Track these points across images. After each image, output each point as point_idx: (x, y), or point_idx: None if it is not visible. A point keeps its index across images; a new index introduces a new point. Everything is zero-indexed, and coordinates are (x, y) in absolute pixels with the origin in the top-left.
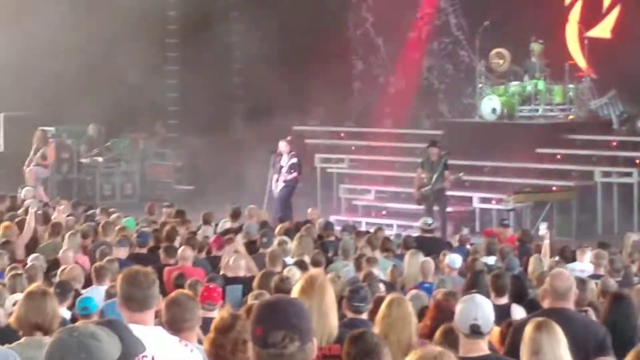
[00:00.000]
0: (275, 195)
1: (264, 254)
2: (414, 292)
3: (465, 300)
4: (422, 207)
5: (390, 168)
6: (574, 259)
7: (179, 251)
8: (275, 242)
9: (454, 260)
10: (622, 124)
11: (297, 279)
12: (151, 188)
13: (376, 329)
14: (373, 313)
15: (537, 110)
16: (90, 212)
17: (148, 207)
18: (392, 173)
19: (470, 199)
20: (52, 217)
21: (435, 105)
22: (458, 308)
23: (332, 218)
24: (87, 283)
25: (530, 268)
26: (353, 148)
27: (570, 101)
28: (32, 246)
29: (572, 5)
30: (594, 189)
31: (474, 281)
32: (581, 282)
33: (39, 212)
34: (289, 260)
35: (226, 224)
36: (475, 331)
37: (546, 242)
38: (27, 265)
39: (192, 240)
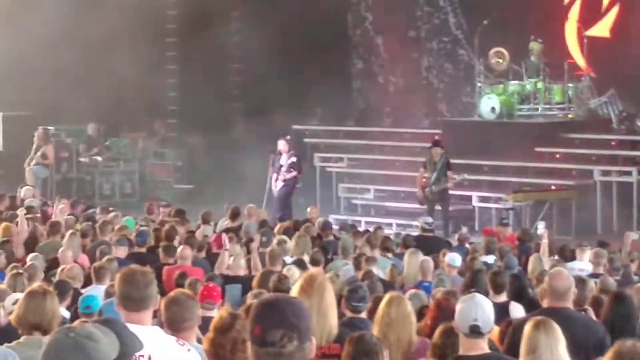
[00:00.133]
0: (275, 195)
1: (263, 253)
2: (413, 291)
3: (465, 300)
4: (424, 206)
5: (390, 167)
6: (573, 258)
7: (178, 250)
8: (275, 241)
9: (454, 258)
10: (621, 123)
11: (296, 278)
12: (150, 187)
13: (375, 328)
14: (372, 312)
15: (536, 109)
16: (89, 211)
17: (147, 206)
18: (392, 172)
19: (469, 198)
20: (52, 217)
21: (435, 105)
22: (458, 308)
23: (332, 217)
24: (87, 282)
25: (530, 267)
26: (352, 147)
27: (569, 100)
28: (31, 245)
29: (571, 4)
30: (593, 188)
31: (473, 280)
32: (580, 281)
33: (38, 214)
34: (288, 259)
35: (225, 223)
36: (475, 331)
37: (544, 242)
38: (27, 265)
39: (191, 240)
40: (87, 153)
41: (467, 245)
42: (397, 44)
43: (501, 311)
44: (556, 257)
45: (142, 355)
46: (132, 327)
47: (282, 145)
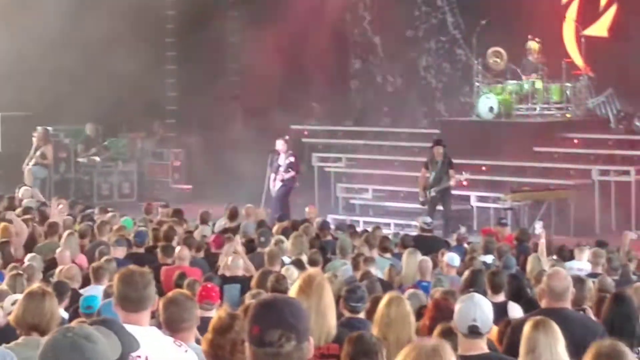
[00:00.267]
0: (273, 195)
1: (261, 253)
2: (411, 290)
3: (464, 300)
4: (425, 206)
5: (388, 167)
6: (571, 258)
7: (176, 251)
8: (272, 241)
9: (452, 258)
10: (619, 123)
11: (295, 279)
12: (149, 187)
13: (375, 329)
14: (370, 312)
15: (534, 109)
16: (87, 211)
17: (145, 206)
18: (390, 172)
19: (467, 198)
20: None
21: (433, 104)
22: (457, 308)
23: (330, 217)
24: (85, 283)
25: (528, 267)
26: (350, 147)
27: (567, 100)
28: (30, 246)
29: (569, 3)
30: (591, 187)
31: (472, 280)
32: (579, 281)
33: (35, 217)
34: (286, 259)
35: (223, 223)
36: (474, 331)
37: (542, 241)
38: (25, 265)
39: (190, 240)
40: (86, 153)
41: (466, 245)
42: (395, 43)
43: (499, 311)
44: (554, 257)
45: (139, 356)
46: (129, 327)
47: (280, 145)
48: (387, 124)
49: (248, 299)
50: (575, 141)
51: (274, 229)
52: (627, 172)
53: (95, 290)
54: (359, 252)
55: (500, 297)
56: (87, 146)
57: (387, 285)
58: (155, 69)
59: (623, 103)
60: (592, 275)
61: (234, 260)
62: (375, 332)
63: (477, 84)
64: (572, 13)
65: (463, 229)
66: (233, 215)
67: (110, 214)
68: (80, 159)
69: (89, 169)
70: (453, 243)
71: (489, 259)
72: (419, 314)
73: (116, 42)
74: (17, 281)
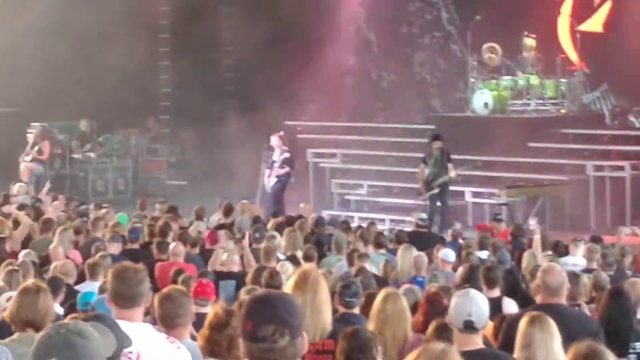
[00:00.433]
0: (268, 190)
1: (256, 249)
2: (407, 286)
3: (459, 295)
4: (425, 202)
5: (383, 163)
6: (567, 253)
7: (171, 247)
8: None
9: (447, 254)
10: (614, 118)
11: (290, 274)
12: (144, 183)
13: (371, 324)
14: (365, 308)
15: (529, 105)
16: (82, 207)
17: (140, 202)
18: (385, 168)
19: (462, 194)
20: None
21: (428, 100)
22: (452, 303)
23: (325, 213)
24: (79, 279)
25: (524, 263)
26: (345, 143)
27: (562, 95)
28: (24, 242)
29: None
30: (586, 183)
31: (469, 275)
32: (574, 276)
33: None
34: (280, 255)
35: (216, 218)
36: (469, 326)
37: (537, 237)
38: (19, 262)
39: (185, 236)
40: (80, 149)
41: (461, 241)
42: (389, 39)
43: (494, 306)
44: (550, 252)
45: (131, 352)
46: (122, 323)
47: (275, 141)
48: (382, 119)
49: (243, 295)
50: (570, 137)
51: (269, 225)
52: (621, 168)
53: (91, 287)
54: (354, 247)
55: (496, 293)
56: (82, 142)
57: (382, 281)
58: (149, 65)
59: (618, 99)
60: (587, 270)
61: (229, 256)
62: (372, 328)
63: (471, 79)
64: (567, 8)
65: (458, 225)
66: (228, 211)
67: (104, 210)
68: (75, 155)
69: (84, 165)
70: (448, 239)
71: (484, 254)
72: (414, 310)
73: (110, 38)
74: (13, 277)
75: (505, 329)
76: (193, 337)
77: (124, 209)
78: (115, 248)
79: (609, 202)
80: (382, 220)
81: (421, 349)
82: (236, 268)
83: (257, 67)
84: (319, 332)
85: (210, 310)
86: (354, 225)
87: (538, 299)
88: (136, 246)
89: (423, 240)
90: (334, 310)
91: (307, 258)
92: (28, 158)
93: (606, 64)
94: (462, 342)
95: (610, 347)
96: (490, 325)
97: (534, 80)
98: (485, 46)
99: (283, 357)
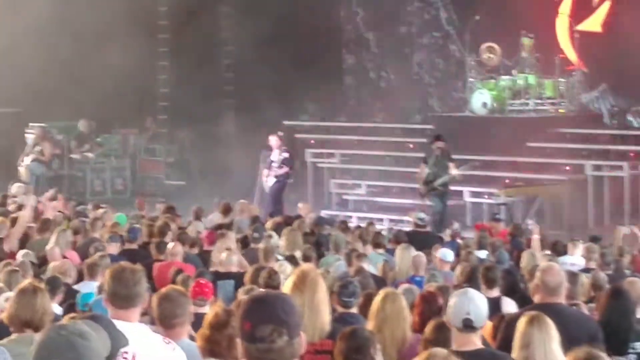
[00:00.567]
0: (267, 190)
1: (255, 249)
2: (406, 286)
3: (458, 294)
4: (426, 203)
5: (381, 163)
6: (565, 253)
7: (169, 247)
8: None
9: (445, 254)
10: (612, 118)
11: (288, 274)
12: (142, 183)
13: (370, 324)
14: (363, 307)
15: (527, 104)
16: (80, 207)
17: (138, 202)
18: (383, 168)
19: (461, 193)
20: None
21: (426, 100)
22: (451, 302)
23: (323, 213)
24: (78, 279)
25: (523, 263)
26: (344, 143)
27: (561, 95)
28: (22, 242)
29: None
30: (584, 182)
31: (471, 275)
32: (572, 276)
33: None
34: (279, 255)
35: (214, 218)
36: (468, 325)
37: (535, 237)
38: (17, 262)
39: (183, 236)
40: (79, 149)
41: (459, 241)
42: (388, 39)
43: (493, 306)
44: (548, 252)
45: (127, 352)
46: (118, 323)
47: (273, 141)
48: (381, 119)
49: (241, 295)
50: (569, 136)
51: (267, 225)
52: (620, 167)
53: (89, 287)
54: (353, 247)
55: (495, 292)
56: (80, 142)
57: (380, 281)
58: (147, 65)
59: (616, 98)
60: (585, 270)
61: (228, 256)
62: (371, 327)
63: (470, 79)
64: (565, 8)
65: (456, 225)
66: (226, 210)
67: (102, 210)
68: (73, 155)
69: (82, 165)
70: (447, 238)
71: (482, 254)
72: (412, 309)
73: (108, 38)
74: (12, 278)
75: (504, 328)
76: (191, 338)
77: (122, 209)
78: (114, 248)
79: (608, 202)
80: (381, 220)
81: (427, 353)
82: (235, 268)
83: (255, 67)
84: (318, 332)
85: (209, 310)
86: (352, 225)
87: (537, 298)
88: (134, 246)
89: (421, 240)
90: (332, 310)
91: (306, 258)
92: (28, 159)
93: (605, 63)
94: (460, 342)
95: (609, 347)
96: (489, 325)
97: (533, 80)
98: (483, 46)
99: (281, 357)
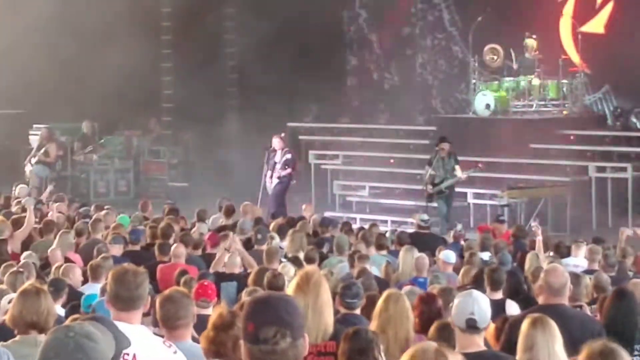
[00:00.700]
0: (270, 192)
1: (258, 251)
2: (409, 287)
3: (462, 295)
4: (431, 204)
5: (385, 164)
6: (569, 254)
7: (172, 248)
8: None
9: (448, 255)
10: (616, 119)
11: (291, 276)
12: (145, 185)
13: (374, 324)
14: (366, 309)
15: (531, 106)
16: (83, 209)
17: (141, 204)
18: (387, 169)
19: (464, 195)
20: (49, 215)
21: (429, 101)
22: (455, 302)
23: (327, 214)
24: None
25: (526, 265)
26: (347, 144)
27: (564, 96)
28: (26, 244)
29: (565, 0)
30: (588, 184)
31: (478, 278)
32: (575, 277)
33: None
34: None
35: (218, 219)
36: (471, 326)
37: (539, 239)
38: (20, 263)
39: (187, 238)
40: (82, 151)
41: (462, 242)
42: (391, 40)
43: (497, 309)
44: (551, 253)
45: (127, 354)
46: (119, 324)
47: (276, 142)
48: (384, 121)
49: (245, 297)
50: (572, 138)
51: (270, 226)
52: (623, 169)
53: (93, 288)
54: (356, 249)
55: (499, 295)
56: (83, 144)
57: (383, 282)
58: (151, 67)
59: (620, 100)
60: (589, 271)
61: (231, 257)
62: (374, 327)
63: (473, 81)
64: (568, 10)
65: (459, 226)
66: (229, 212)
67: (104, 212)
68: (76, 157)
69: (86, 167)
70: (450, 240)
71: (485, 255)
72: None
73: (111, 39)
74: (17, 279)
75: (507, 330)
76: (194, 339)
77: (125, 211)
78: (117, 250)
79: (611, 203)
80: (384, 221)
81: (415, 348)
82: (237, 269)
83: (259, 68)
84: (321, 333)
85: (212, 311)
86: (355, 226)
87: (540, 299)
88: (137, 248)
89: (424, 241)
90: (335, 312)
91: (309, 260)
92: (34, 161)
93: (608, 65)
94: (463, 344)
95: None
96: (492, 326)
97: (536, 81)
98: (487, 47)
99: (284, 359)
